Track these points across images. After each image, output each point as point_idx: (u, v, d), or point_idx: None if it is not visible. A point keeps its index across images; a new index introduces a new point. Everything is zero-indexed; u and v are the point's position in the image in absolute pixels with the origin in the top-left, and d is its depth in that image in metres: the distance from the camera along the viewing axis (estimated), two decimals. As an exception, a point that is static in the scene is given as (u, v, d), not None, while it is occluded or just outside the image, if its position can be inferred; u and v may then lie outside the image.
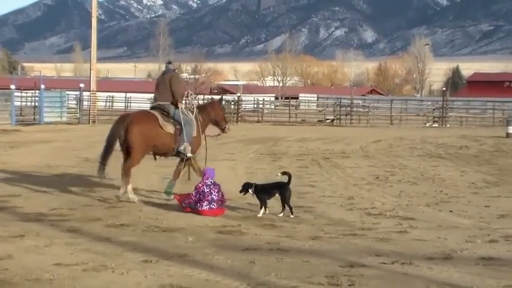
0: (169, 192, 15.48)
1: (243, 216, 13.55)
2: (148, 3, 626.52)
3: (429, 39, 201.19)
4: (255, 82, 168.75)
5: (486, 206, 15.41)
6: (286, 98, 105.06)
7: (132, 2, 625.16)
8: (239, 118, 61.39)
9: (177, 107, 15.72)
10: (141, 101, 76.13)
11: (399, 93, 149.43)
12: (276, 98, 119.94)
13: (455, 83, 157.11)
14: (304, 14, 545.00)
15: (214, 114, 16.58)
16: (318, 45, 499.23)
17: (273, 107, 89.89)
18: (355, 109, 67.40)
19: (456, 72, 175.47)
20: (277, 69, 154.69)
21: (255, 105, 79.98)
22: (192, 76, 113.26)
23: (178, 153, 15.81)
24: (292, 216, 13.49)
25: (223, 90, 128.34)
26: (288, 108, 74.85)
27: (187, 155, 15.74)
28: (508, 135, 41.77)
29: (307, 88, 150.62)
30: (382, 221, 13.40)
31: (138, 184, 17.65)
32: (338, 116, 64.10)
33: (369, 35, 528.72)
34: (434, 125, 61.25)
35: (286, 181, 13.89)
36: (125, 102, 66.14)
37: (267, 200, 13.86)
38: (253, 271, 9.31)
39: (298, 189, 17.44)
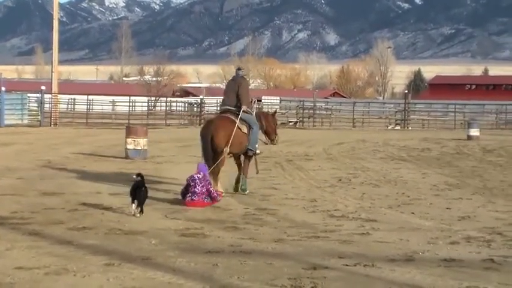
0: (244, 189, 17.20)
1: (206, 219, 13.53)
2: (111, 6, 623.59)
3: (391, 42, 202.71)
4: (218, 84, 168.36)
5: (447, 208, 15.52)
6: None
7: (94, 4, 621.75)
8: (202, 121, 61.21)
9: (246, 110, 17.27)
10: (104, 104, 75.73)
11: (362, 95, 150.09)
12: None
13: (417, 86, 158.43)
14: (267, 17, 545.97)
15: (267, 125, 18.33)
16: (281, 48, 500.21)
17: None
18: (317, 112, 67.60)
19: (418, 75, 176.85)
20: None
21: (218, 108, 79.85)
22: (154, 78, 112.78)
23: (246, 151, 17.39)
24: (138, 216, 13.45)
25: (186, 93, 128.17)
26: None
27: (257, 152, 17.69)
28: (469, 137, 42.12)
29: (270, 91, 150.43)
30: (344, 223, 13.44)
31: (101, 188, 17.59)
32: (301, 119, 64.28)
33: (332, 38, 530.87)
34: (397, 128, 61.62)
35: (142, 182, 13.88)
36: (87, 105, 65.66)
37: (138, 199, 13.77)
38: (216, 274, 9.31)
39: (261, 192, 17.49)
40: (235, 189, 17.28)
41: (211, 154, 16.61)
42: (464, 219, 14.17)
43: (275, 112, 19.73)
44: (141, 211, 13.64)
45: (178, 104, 78.44)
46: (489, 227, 13.23)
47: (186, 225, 12.82)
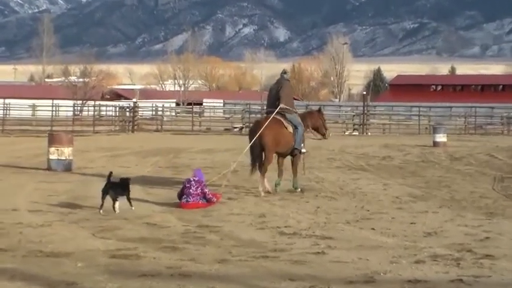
0: (296, 187, 20.66)
1: (140, 238, 13.45)
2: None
3: (347, 38, 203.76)
4: (153, 86, 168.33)
5: (412, 223, 15.61)
6: (189, 104, 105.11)
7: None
8: (135, 127, 61.05)
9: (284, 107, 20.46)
10: (23, 108, 75.11)
11: (315, 98, 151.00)
12: (177, 104, 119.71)
13: (376, 87, 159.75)
14: (208, 10, 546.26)
15: (313, 122, 21.72)
16: (224, 45, 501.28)
17: (173, 114, 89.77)
18: (266, 116, 67.74)
19: (377, 74, 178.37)
20: (178, 71, 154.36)
21: (154, 113, 79.72)
22: (81, 79, 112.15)
23: (292, 151, 20.64)
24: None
25: (117, 96, 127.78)
26: (190, 115, 74.84)
27: (302, 150, 20.82)
28: (435, 144, 42.46)
29: (213, 93, 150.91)
30: (296, 241, 13.45)
31: (19, 203, 17.40)
32: (247, 124, 64.32)
33: (281, 33, 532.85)
34: (354, 133, 62.01)
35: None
36: (4, 110, 64.89)
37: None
38: (152, 300, 9.24)
39: (202, 207, 17.44)
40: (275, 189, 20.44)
41: (259, 154, 19.91)
42: (430, 235, 14.26)
43: (320, 109, 22.91)
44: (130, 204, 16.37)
45: (108, 108, 78.10)
46: (458, 243, 13.33)
47: (117, 245, 12.73)
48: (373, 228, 14.89)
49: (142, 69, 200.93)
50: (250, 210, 17.10)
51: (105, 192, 16.13)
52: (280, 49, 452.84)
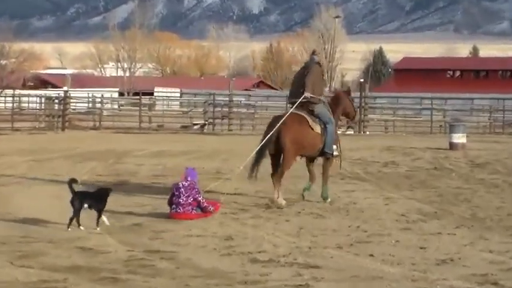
0: (326, 197, 21.69)
1: (72, 266, 13.43)
2: None
3: (340, 10, 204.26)
4: (89, 71, 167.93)
5: (421, 248, 15.67)
6: (136, 94, 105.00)
7: None
8: (66, 123, 60.82)
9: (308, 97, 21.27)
10: None
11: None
12: (121, 94, 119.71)
13: (377, 72, 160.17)
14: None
15: (344, 108, 22.85)
16: (182, 18, 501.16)
17: (116, 106, 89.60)
18: (235, 110, 67.70)
19: (379, 56, 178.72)
20: (122, 52, 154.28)
21: (90, 105, 79.51)
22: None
23: (323, 153, 21.85)
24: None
25: (43, 83, 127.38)
26: (137, 108, 74.70)
27: (334, 153, 22.11)
28: (451, 146, 42.47)
29: (167, 79, 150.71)
30: (273, 270, 13.47)
31: None
32: (211, 120, 64.30)
33: (255, 4, 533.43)
34: (349, 132, 62.04)
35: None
36: None
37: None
38: None
39: (153, 226, 17.41)
40: (303, 196, 21.75)
41: (264, 156, 20.83)
42: (445, 263, 14.32)
43: (349, 90, 24.42)
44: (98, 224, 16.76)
45: (31, 99, 77.87)
46: (480, 273, 13.39)
47: (41, 275, 12.70)
48: (371, 255, 14.94)
49: (76, 48, 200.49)
50: (214, 231, 17.10)
51: (76, 203, 16.52)
52: (253, 23, 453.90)
